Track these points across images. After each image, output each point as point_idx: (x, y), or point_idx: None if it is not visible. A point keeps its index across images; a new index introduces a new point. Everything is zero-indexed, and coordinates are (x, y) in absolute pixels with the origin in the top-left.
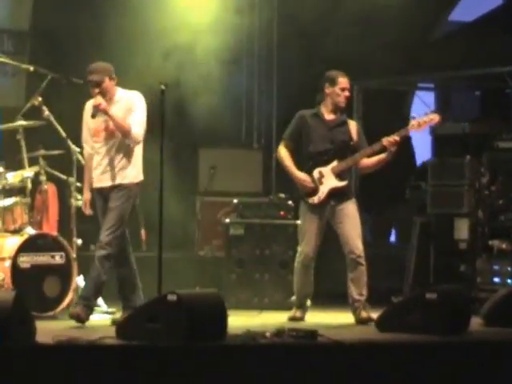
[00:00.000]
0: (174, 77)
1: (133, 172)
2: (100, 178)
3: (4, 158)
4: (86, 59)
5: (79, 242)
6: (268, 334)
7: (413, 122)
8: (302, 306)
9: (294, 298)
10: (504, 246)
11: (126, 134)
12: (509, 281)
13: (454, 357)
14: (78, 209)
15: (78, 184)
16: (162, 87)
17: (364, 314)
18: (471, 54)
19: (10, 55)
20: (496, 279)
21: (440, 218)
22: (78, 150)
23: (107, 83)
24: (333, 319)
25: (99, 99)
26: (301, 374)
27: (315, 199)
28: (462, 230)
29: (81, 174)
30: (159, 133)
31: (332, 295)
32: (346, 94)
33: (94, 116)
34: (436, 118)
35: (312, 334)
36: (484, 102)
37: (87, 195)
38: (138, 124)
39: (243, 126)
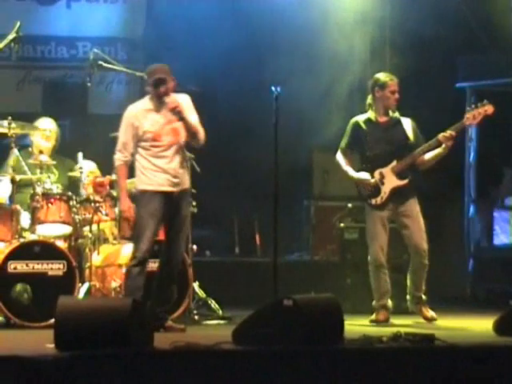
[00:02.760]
0: (287, 81)
1: (188, 176)
2: (169, 183)
3: None
4: (199, 65)
5: (195, 247)
6: (385, 339)
7: (467, 115)
8: (383, 308)
9: (374, 302)
10: None
11: (196, 134)
12: None
13: None
14: (193, 215)
15: (194, 191)
16: (275, 91)
17: (425, 312)
18: None
19: (124, 63)
20: None
21: None
22: (192, 156)
23: (171, 84)
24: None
25: (175, 101)
26: (418, 379)
27: (378, 200)
28: None
29: (195, 179)
30: (274, 137)
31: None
32: (396, 96)
33: (181, 119)
34: (490, 109)
35: (429, 338)
36: None
37: (129, 203)
38: (199, 125)
39: None
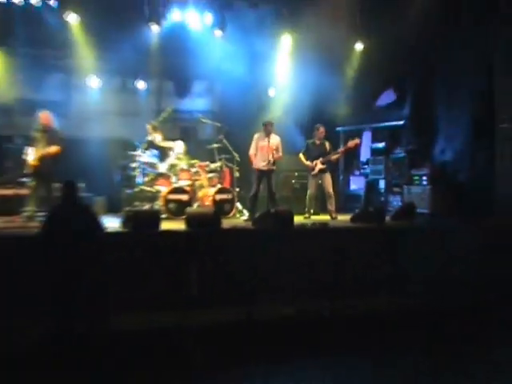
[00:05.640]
0: None
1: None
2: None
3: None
4: None
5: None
6: (309, 224)
7: (349, 144)
8: (308, 213)
9: (306, 209)
10: None
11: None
12: None
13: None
14: (236, 178)
15: (238, 159)
16: None
17: (334, 215)
18: None
19: None
20: None
21: None
22: (236, 155)
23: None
24: (323, 218)
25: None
26: (320, 246)
27: (313, 173)
28: None
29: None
30: None
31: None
32: (320, 136)
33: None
34: (356, 141)
35: (325, 224)
36: None
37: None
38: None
39: None
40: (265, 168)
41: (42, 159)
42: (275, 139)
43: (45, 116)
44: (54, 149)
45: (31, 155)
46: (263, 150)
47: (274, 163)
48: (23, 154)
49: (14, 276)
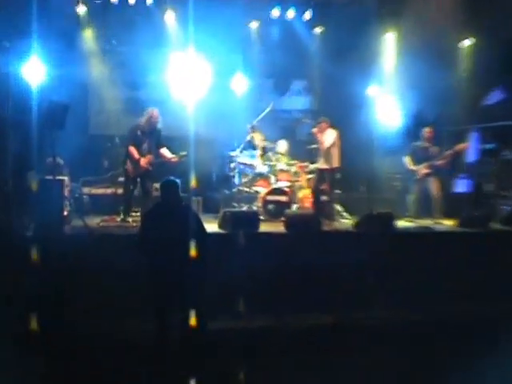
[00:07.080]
0: None
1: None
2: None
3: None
4: None
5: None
6: (413, 227)
7: (457, 148)
8: (411, 216)
9: (408, 212)
10: None
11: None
12: None
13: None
14: (337, 179)
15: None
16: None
17: (438, 220)
18: None
19: None
20: None
21: None
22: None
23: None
24: (426, 222)
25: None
26: (423, 249)
27: (419, 177)
28: None
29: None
30: None
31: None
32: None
33: None
34: (463, 145)
35: (428, 228)
36: None
37: None
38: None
39: None
40: (320, 167)
41: (153, 163)
42: (325, 136)
43: (156, 113)
44: (168, 154)
45: (142, 158)
46: (318, 149)
47: (326, 162)
48: (132, 157)
49: (112, 272)
